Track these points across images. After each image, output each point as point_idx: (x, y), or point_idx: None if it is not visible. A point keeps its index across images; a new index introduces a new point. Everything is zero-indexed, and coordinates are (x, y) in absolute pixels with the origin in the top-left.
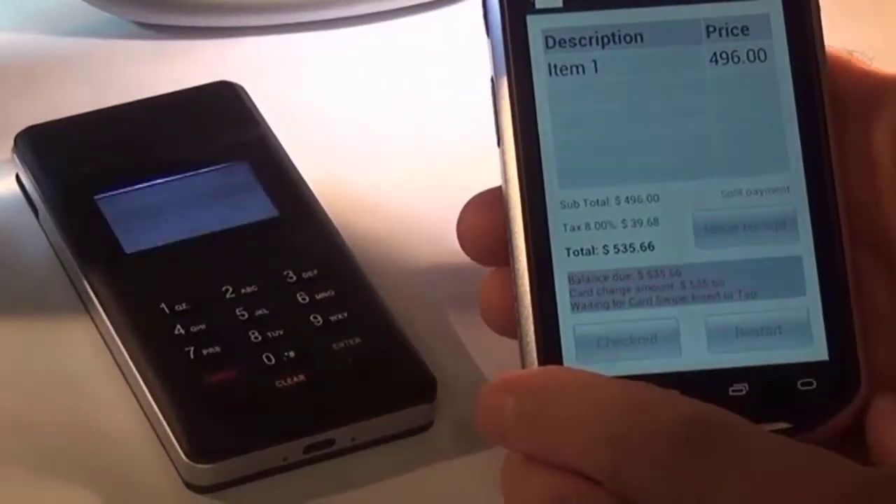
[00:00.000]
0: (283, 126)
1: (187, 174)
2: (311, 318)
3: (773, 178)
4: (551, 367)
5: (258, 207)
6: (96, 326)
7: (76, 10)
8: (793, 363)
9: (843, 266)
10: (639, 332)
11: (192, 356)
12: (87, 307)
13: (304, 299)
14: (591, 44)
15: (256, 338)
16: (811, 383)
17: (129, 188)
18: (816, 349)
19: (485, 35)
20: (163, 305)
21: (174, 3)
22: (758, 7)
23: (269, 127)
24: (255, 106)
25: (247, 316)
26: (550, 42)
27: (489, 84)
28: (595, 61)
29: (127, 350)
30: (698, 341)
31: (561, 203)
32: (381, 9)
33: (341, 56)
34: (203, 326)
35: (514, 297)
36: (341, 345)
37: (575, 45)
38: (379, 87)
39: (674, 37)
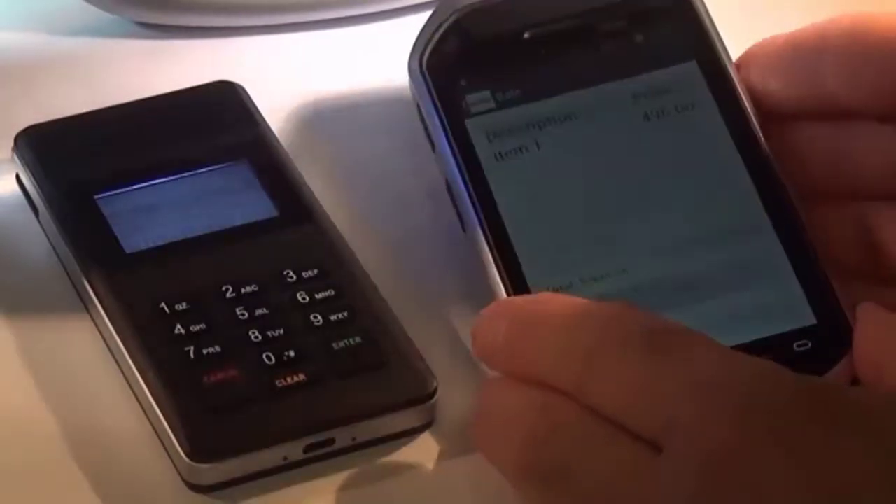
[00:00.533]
0: (283, 126)
1: (187, 174)
2: (312, 317)
3: (728, 194)
4: (544, 294)
5: (258, 207)
6: (96, 326)
7: (76, 10)
8: (786, 332)
9: (807, 244)
10: None
11: (191, 356)
12: (87, 307)
13: (304, 299)
14: (528, 129)
15: (256, 337)
16: (806, 344)
17: (129, 188)
18: (804, 316)
19: (430, 149)
20: (163, 305)
21: (174, 2)
22: (675, 72)
23: (269, 127)
24: (255, 106)
25: (247, 315)
26: (492, 136)
27: (444, 186)
28: (536, 141)
29: (127, 350)
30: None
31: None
32: (381, 9)
33: (341, 56)
34: (203, 326)
35: None
36: (341, 344)
37: (514, 132)
38: (379, 87)
39: (604, 108)
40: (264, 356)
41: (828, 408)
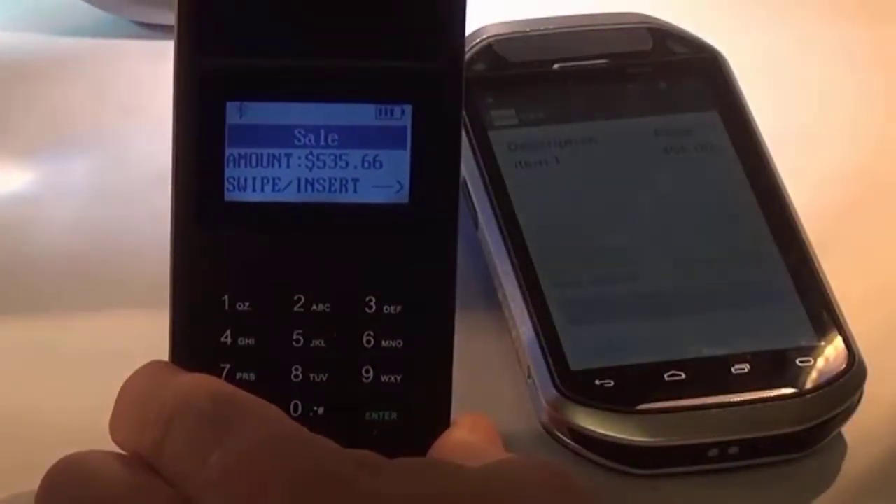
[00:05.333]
0: None
1: (344, 101)
2: (364, 370)
3: (738, 221)
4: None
5: (390, 179)
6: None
7: (76, 9)
8: (788, 347)
9: (813, 269)
10: (634, 335)
11: (224, 376)
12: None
13: (368, 343)
14: (550, 146)
15: (297, 377)
16: (808, 360)
17: (275, 100)
18: (807, 335)
19: None
20: (225, 298)
21: (174, 2)
22: (697, 117)
23: None
24: None
25: (301, 344)
26: (513, 146)
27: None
28: (557, 157)
29: (172, 344)
30: (695, 341)
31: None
32: None
33: None
34: (252, 342)
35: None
36: (374, 416)
37: (535, 147)
38: None
39: (626, 137)
40: (293, 404)
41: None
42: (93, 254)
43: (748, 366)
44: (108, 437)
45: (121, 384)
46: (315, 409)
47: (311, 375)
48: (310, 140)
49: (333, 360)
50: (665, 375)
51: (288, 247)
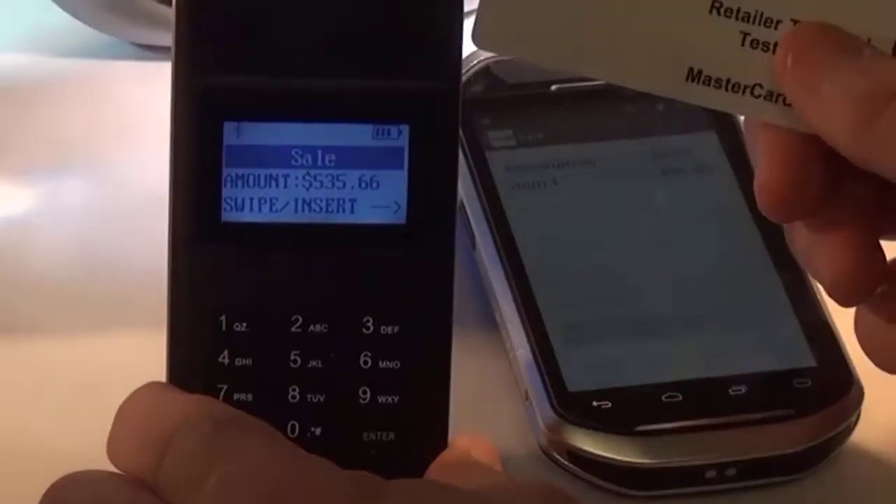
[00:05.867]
0: None
1: (341, 121)
2: (361, 391)
3: (736, 242)
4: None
5: (387, 199)
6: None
7: (73, 31)
8: (785, 369)
9: (810, 289)
10: (631, 357)
11: (221, 397)
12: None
13: (365, 364)
14: (547, 168)
15: (294, 397)
16: (806, 382)
17: (272, 121)
18: (805, 357)
19: None
20: (222, 319)
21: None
22: (695, 138)
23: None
24: None
25: (298, 364)
26: (511, 168)
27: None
28: (554, 179)
29: (169, 366)
30: (693, 362)
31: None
32: None
33: None
34: (249, 362)
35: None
36: (371, 437)
37: (533, 169)
38: None
39: (623, 159)
40: (290, 424)
41: None
42: (90, 274)
43: (746, 387)
44: (106, 458)
45: (119, 405)
46: (312, 429)
47: (309, 396)
48: (307, 160)
49: (331, 380)
50: (663, 397)
51: (285, 267)
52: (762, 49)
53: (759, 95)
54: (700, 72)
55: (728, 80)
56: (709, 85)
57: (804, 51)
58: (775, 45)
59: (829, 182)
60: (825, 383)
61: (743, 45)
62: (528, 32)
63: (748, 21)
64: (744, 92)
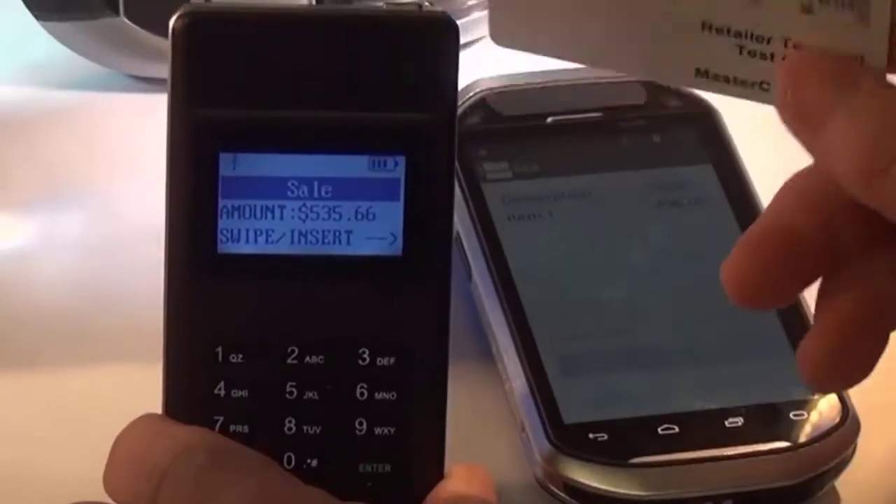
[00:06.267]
0: None
1: (337, 153)
2: (357, 423)
3: None
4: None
5: (383, 231)
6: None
7: (70, 63)
8: (781, 402)
9: (806, 317)
10: (627, 389)
11: (217, 429)
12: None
13: (362, 395)
14: (543, 200)
15: (290, 429)
16: (802, 414)
17: (268, 152)
18: (801, 390)
19: None
20: (218, 350)
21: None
22: (691, 171)
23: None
24: None
25: (294, 396)
26: (507, 199)
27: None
28: (550, 211)
29: (165, 397)
30: (689, 394)
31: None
32: None
33: None
34: (245, 394)
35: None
36: (367, 468)
37: (529, 201)
38: None
39: (619, 191)
40: (286, 456)
41: None
42: (86, 306)
43: (742, 419)
44: (103, 490)
45: (115, 437)
46: (309, 461)
47: (305, 428)
48: (303, 192)
49: (327, 412)
50: (659, 429)
51: (281, 299)
52: (760, 57)
53: (768, 90)
54: (707, 70)
55: (735, 78)
56: (718, 80)
57: (802, 87)
58: (772, 54)
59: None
60: (821, 416)
61: (741, 54)
62: (540, 28)
63: (740, 37)
64: (752, 86)
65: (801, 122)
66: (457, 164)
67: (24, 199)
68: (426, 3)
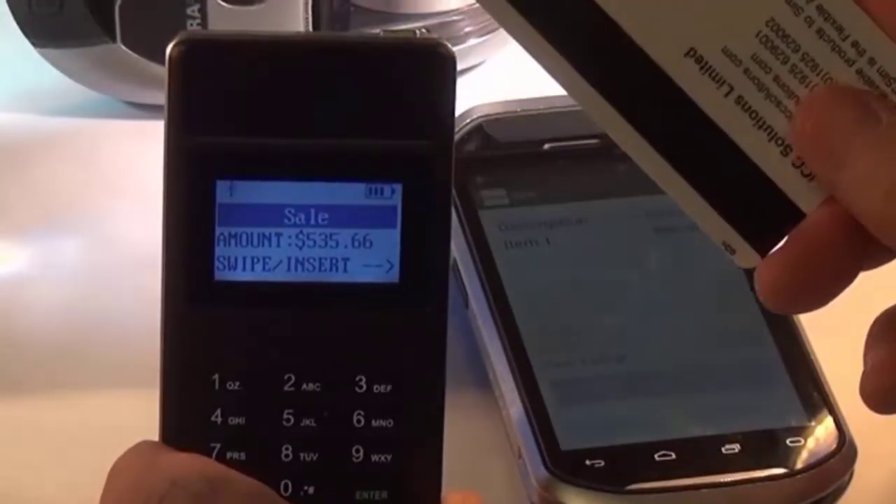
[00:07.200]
0: None
1: (334, 180)
2: (354, 450)
3: (729, 301)
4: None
5: (379, 258)
6: None
7: (65, 89)
8: (779, 428)
9: (804, 352)
10: (624, 415)
11: (214, 456)
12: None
13: (358, 423)
14: (540, 227)
15: (287, 456)
16: (799, 441)
17: (265, 179)
18: (797, 416)
19: None
20: (215, 377)
21: (163, 82)
22: None
23: None
24: None
25: (291, 423)
26: (503, 227)
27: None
28: (547, 238)
29: (162, 424)
30: (686, 421)
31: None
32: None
33: None
34: (242, 421)
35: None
36: (364, 495)
37: (526, 228)
38: None
39: (616, 218)
40: (283, 483)
41: None
42: (82, 333)
43: (739, 446)
44: None
45: (111, 464)
46: (306, 488)
47: (302, 455)
48: (300, 219)
49: (324, 439)
50: (656, 455)
51: (278, 326)
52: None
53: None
54: None
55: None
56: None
57: (821, 122)
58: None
59: None
60: (818, 442)
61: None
62: None
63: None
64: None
65: (820, 159)
66: (454, 191)
67: (19, 225)
68: (422, 31)
